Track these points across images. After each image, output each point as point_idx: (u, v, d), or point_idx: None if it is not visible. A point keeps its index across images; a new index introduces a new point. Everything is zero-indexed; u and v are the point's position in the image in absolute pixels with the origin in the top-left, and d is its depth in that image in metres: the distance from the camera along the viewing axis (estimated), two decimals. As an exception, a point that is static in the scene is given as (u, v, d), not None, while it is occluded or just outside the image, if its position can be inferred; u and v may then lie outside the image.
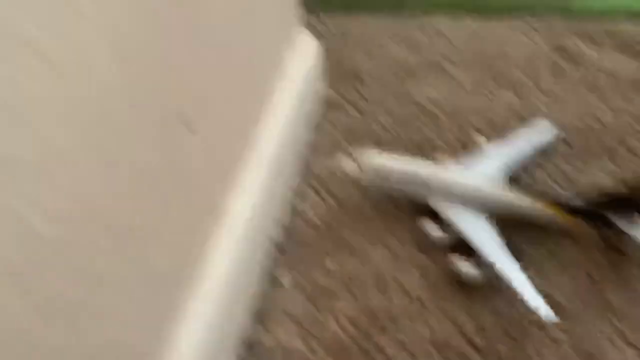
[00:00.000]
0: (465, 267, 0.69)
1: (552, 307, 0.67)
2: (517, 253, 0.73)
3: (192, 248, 0.60)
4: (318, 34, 1.14)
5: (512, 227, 0.77)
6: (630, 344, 0.64)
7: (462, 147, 0.90)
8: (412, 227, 0.78)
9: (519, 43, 1.12)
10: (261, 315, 0.70)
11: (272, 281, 0.74)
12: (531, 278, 0.70)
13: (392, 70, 1.08)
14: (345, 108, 1.01)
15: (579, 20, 1.16)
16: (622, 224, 0.71)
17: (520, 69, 1.06)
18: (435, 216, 0.76)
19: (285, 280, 0.74)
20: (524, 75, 1.04)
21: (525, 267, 0.72)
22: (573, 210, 0.73)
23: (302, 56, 0.95)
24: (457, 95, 1.00)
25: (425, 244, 0.75)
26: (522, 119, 0.94)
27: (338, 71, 1.08)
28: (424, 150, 0.89)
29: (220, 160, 0.67)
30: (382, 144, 0.91)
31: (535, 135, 0.87)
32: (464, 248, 0.72)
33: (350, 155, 0.86)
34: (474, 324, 0.65)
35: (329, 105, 1.01)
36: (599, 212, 0.72)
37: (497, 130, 0.92)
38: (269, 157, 0.77)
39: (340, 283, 0.72)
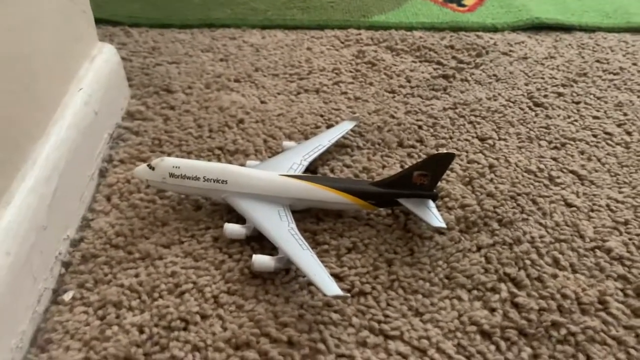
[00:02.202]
0: (257, 258, 0.67)
1: (347, 287, 0.68)
2: (315, 241, 0.74)
3: None
4: (128, 49, 1.11)
5: (313, 217, 0.78)
6: (418, 313, 0.66)
7: (269, 150, 0.90)
8: (210, 225, 0.76)
9: (325, 53, 1.17)
10: (39, 336, 0.62)
11: (54, 299, 0.67)
12: (329, 263, 0.71)
13: (202, 81, 1.06)
14: (150, 118, 0.97)
15: (378, 32, 1.24)
16: (410, 205, 0.75)
17: (325, 76, 1.10)
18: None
19: (69, 296, 0.67)
20: (328, 81, 1.08)
21: (323, 253, 0.72)
22: (365, 195, 0.75)
23: (101, 69, 0.90)
24: (265, 103, 1.01)
25: (225, 241, 0.73)
26: (327, 120, 0.97)
27: (146, 83, 1.05)
28: (232, 156, 0.88)
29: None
30: (188, 152, 0.88)
31: (335, 131, 0.90)
32: (264, 240, 0.71)
33: (145, 161, 0.83)
34: (273, 318, 0.63)
35: (133, 116, 0.97)
36: (389, 195, 0.75)
37: (304, 133, 0.93)
38: (52, 170, 0.70)
39: (130, 293, 0.66)
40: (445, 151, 0.71)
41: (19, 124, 0.68)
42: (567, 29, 1.29)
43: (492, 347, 0.63)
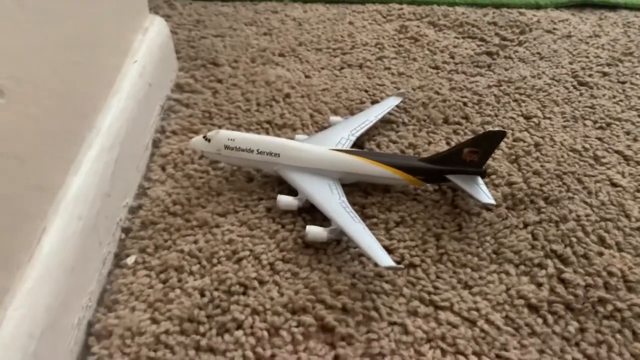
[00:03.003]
0: (311, 229, 0.70)
1: (397, 259, 0.71)
2: (364, 215, 0.76)
3: (26, 229, 0.56)
4: (173, 22, 1.13)
5: (362, 191, 0.80)
6: (467, 286, 0.68)
7: (316, 125, 0.92)
8: (263, 197, 0.78)
9: (367, 28, 1.18)
10: (106, 297, 0.66)
11: (116, 263, 0.70)
12: (378, 235, 0.73)
13: (247, 55, 1.08)
14: (199, 91, 0.99)
15: (420, 7, 1.24)
16: (459, 181, 0.76)
17: (368, 51, 1.10)
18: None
19: (132, 260, 0.70)
20: (371, 56, 1.09)
21: (372, 227, 0.75)
22: (414, 171, 0.77)
23: (152, 41, 0.92)
24: (310, 78, 1.03)
25: (277, 212, 0.75)
26: (371, 96, 0.98)
27: (193, 56, 1.07)
28: (280, 130, 0.90)
29: (59, 140, 0.63)
30: (238, 125, 0.90)
31: (381, 107, 0.91)
32: (315, 211, 0.74)
33: (197, 133, 0.86)
34: (327, 286, 0.66)
35: (182, 89, 0.99)
36: (438, 171, 0.77)
37: (350, 108, 0.95)
38: (114, 139, 0.73)
39: (190, 258, 0.70)
40: (495, 129, 0.72)
41: (84, 94, 0.70)
42: (612, 6, 1.27)
43: (540, 320, 0.65)
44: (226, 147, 0.77)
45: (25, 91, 0.56)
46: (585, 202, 0.79)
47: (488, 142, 0.74)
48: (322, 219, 0.73)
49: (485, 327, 0.64)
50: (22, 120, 0.55)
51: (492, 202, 0.74)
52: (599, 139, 0.91)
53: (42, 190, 0.60)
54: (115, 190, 0.73)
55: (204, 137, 0.78)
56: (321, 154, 0.78)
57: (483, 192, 0.75)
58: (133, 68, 0.85)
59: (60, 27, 0.63)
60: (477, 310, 0.65)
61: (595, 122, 0.94)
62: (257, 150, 0.77)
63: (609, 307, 0.66)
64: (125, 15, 0.85)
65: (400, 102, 0.94)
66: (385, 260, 0.65)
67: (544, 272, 0.70)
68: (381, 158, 0.78)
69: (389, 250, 0.72)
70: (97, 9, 0.73)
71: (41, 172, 0.59)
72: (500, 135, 0.74)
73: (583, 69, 1.07)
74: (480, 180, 0.77)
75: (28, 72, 0.56)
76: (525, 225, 0.75)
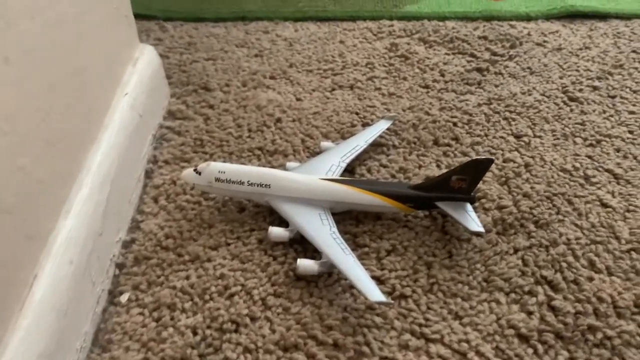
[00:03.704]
0: (302, 263, 0.70)
1: (388, 290, 0.71)
2: (355, 243, 0.77)
3: (17, 279, 0.57)
4: (165, 45, 1.13)
5: (353, 219, 0.80)
6: (457, 316, 0.69)
7: (307, 150, 0.92)
8: (255, 227, 0.79)
9: (357, 47, 1.18)
10: (100, 336, 0.67)
11: (111, 300, 0.71)
12: (369, 265, 0.74)
13: (239, 78, 1.08)
14: (191, 117, 1.00)
15: (411, 22, 1.24)
16: (448, 209, 0.77)
17: (359, 71, 1.11)
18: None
19: (125, 298, 0.71)
20: (362, 77, 1.09)
21: (364, 256, 0.75)
22: (403, 198, 0.78)
23: (143, 71, 0.93)
24: (301, 100, 1.03)
25: (269, 244, 0.76)
26: (362, 118, 0.99)
27: (184, 81, 1.08)
28: (272, 156, 0.91)
29: (49, 187, 0.63)
30: (229, 153, 0.91)
31: (372, 131, 0.92)
32: (306, 242, 0.74)
33: (189, 162, 0.86)
34: (318, 321, 0.66)
35: (174, 116, 1.00)
36: (427, 198, 0.77)
37: (341, 132, 0.95)
38: (105, 177, 0.74)
39: (182, 295, 0.70)
40: (483, 157, 0.72)
41: (74, 134, 0.71)
42: (602, 16, 1.27)
43: (530, 350, 0.65)
44: (217, 179, 0.78)
45: (13, 143, 0.56)
46: (576, 225, 0.79)
47: (475, 169, 0.75)
48: (314, 250, 0.74)
49: (476, 359, 0.64)
50: (10, 173, 0.56)
51: (482, 230, 0.75)
52: (589, 157, 0.91)
53: (32, 239, 0.60)
54: (107, 228, 0.74)
55: (195, 169, 0.79)
56: (311, 184, 0.78)
57: (472, 220, 0.75)
58: (124, 101, 0.85)
59: (47, 75, 0.63)
60: (468, 341, 0.66)
61: (585, 139, 0.95)
62: (248, 181, 0.77)
63: (599, 335, 0.66)
64: (114, 50, 0.86)
65: (391, 124, 0.95)
66: (375, 294, 0.65)
67: (534, 299, 0.70)
68: (371, 187, 0.79)
69: (381, 280, 0.72)
70: (86, 48, 0.74)
71: (31, 222, 0.60)
72: (488, 162, 0.74)
73: (573, 83, 1.07)
74: (469, 207, 0.77)
75: (15, 124, 0.57)
76: (516, 251, 0.76)
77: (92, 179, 0.72)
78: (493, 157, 0.77)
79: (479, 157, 0.72)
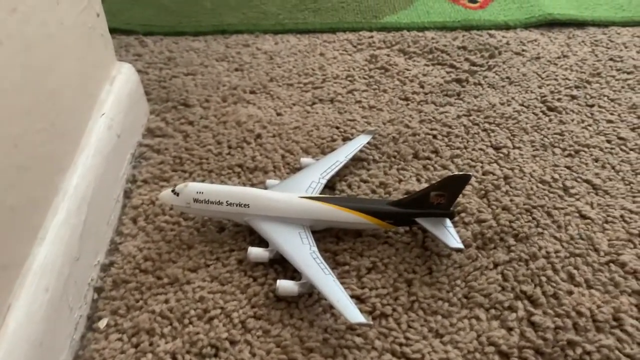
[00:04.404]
0: (281, 284, 0.70)
1: (368, 309, 0.71)
2: (335, 261, 0.77)
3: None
4: (143, 61, 1.13)
5: (333, 236, 0.80)
6: (438, 334, 0.69)
7: (287, 167, 0.92)
8: (234, 248, 0.78)
9: (337, 59, 1.18)
10: (77, 365, 0.66)
11: (89, 326, 0.70)
12: (350, 284, 0.74)
13: (219, 94, 1.08)
14: (170, 134, 0.99)
15: (390, 33, 1.25)
16: (427, 225, 0.77)
17: (339, 84, 1.11)
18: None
19: (104, 323, 0.70)
20: (342, 89, 1.09)
21: (344, 274, 0.75)
22: (383, 215, 0.78)
23: (121, 90, 0.92)
24: (281, 115, 1.03)
25: (249, 264, 0.75)
26: (343, 133, 0.98)
27: (164, 97, 1.07)
28: (252, 173, 0.90)
29: (23, 213, 0.62)
30: (209, 171, 0.91)
31: (351, 146, 0.92)
32: (286, 262, 0.74)
33: (168, 181, 0.86)
34: (299, 344, 0.66)
35: (153, 133, 0.99)
36: (406, 214, 0.77)
37: (321, 147, 0.95)
38: (82, 200, 0.73)
39: (161, 319, 0.70)
40: (461, 173, 0.72)
41: (49, 159, 0.70)
42: (579, 24, 1.29)
43: (510, 367, 0.65)
44: (195, 200, 0.77)
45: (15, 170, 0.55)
46: (555, 237, 0.80)
47: (454, 185, 0.75)
48: (294, 270, 0.74)
49: (457, 378, 0.64)
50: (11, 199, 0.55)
51: (461, 246, 0.75)
52: (568, 167, 0.92)
53: (6, 268, 0.59)
54: (85, 251, 0.73)
55: (173, 190, 0.78)
56: (290, 203, 0.78)
57: (451, 236, 0.76)
58: (100, 122, 0.84)
59: (19, 101, 0.62)
60: (448, 360, 0.66)
61: (564, 149, 0.95)
62: (227, 202, 0.77)
63: (579, 350, 0.66)
64: (90, 70, 0.85)
65: (371, 138, 0.95)
66: (354, 315, 0.65)
67: (514, 315, 0.70)
68: (350, 204, 0.79)
69: (361, 299, 0.72)
70: (59, 70, 0.73)
71: (4, 251, 0.59)
72: (466, 178, 0.75)
73: (552, 92, 1.08)
74: (448, 222, 0.77)
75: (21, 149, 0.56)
76: (495, 266, 0.76)
77: (69, 203, 0.72)
78: (471, 173, 0.78)
79: (457, 173, 0.72)
